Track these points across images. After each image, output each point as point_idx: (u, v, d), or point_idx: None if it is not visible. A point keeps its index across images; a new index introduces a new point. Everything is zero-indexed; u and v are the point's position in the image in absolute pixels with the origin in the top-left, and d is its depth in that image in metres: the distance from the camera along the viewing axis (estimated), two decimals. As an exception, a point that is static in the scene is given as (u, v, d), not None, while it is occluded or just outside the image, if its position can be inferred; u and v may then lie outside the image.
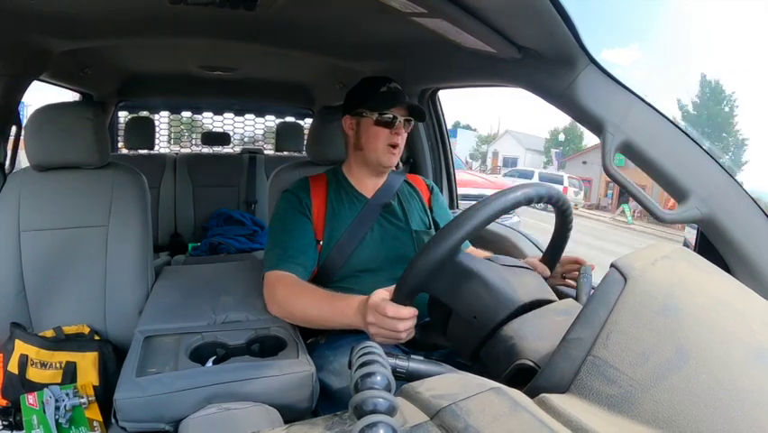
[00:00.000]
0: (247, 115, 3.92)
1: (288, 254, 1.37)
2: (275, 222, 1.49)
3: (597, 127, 1.12)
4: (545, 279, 1.16)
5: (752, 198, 1.08)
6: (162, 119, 3.86)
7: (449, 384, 0.62)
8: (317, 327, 1.30)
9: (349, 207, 1.51)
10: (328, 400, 1.24)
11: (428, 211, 1.64)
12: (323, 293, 1.27)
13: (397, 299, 1.00)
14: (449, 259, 0.94)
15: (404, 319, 1.00)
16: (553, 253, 1.27)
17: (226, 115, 3.91)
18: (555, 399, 0.59)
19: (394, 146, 1.47)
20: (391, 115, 1.45)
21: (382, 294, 1.04)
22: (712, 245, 1.12)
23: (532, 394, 0.61)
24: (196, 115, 3.99)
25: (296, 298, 1.29)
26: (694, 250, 1.17)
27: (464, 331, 0.98)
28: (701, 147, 1.09)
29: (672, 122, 1.10)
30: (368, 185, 1.56)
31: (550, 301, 0.98)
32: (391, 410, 0.53)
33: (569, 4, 0.90)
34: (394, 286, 1.02)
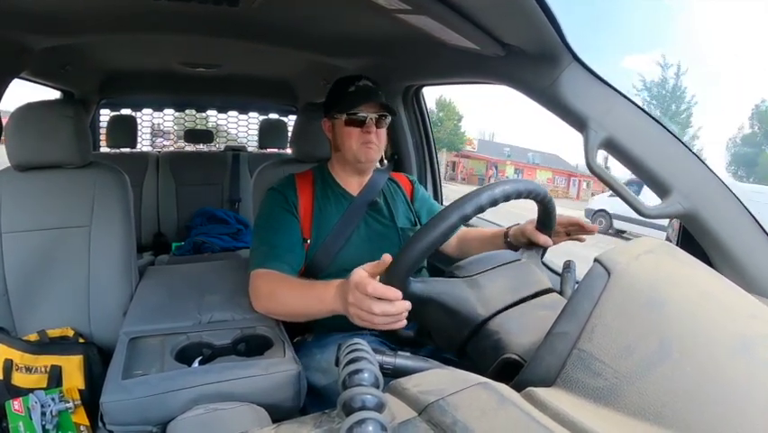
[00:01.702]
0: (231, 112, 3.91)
1: (275, 253, 1.35)
2: (261, 221, 1.47)
3: (579, 124, 1.13)
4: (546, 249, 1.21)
5: (733, 193, 1.10)
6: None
7: (436, 380, 0.63)
8: (302, 318, 1.29)
9: (335, 205, 1.50)
10: (316, 398, 1.24)
11: (411, 206, 1.64)
12: (302, 283, 1.26)
13: (387, 279, 0.97)
14: (406, 288, 0.95)
15: (384, 301, 0.94)
16: (545, 224, 1.23)
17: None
18: (542, 392, 0.59)
19: (369, 142, 1.46)
20: (362, 115, 1.44)
21: (361, 272, 0.99)
22: (694, 240, 1.14)
23: (518, 388, 0.62)
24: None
25: (277, 291, 1.27)
26: (676, 244, 1.19)
27: (445, 340, 1.02)
28: (683, 143, 1.11)
29: (654, 119, 1.11)
30: (353, 183, 1.56)
31: (528, 298, 0.99)
32: (380, 407, 0.53)
33: (554, 1, 0.91)
34: (374, 263, 1.00)
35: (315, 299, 1.16)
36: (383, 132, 1.50)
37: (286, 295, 1.25)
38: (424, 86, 2.27)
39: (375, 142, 1.47)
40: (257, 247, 1.40)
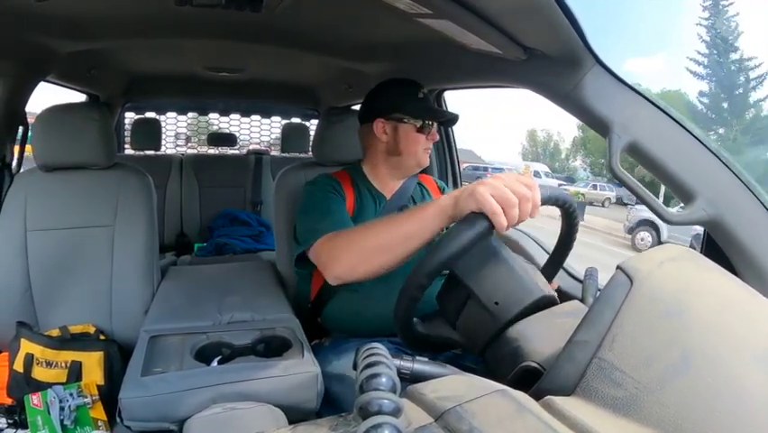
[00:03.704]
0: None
1: (336, 227, 1.26)
2: (308, 205, 1.41)
3: (603, 128, 1.11)
4: None
5: (759, 200, 1.07)
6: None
7: (454, 386, 0.62)
8: (391, 260, 1.10)
9: (370, 206, 1.51)
10: (330, 405, 1.24)
11: None
12: (385, 218, 1.17)
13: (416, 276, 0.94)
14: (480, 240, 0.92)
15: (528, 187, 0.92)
16: (554, 265, 1.20)
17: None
18: (561, 401, 0.58)
19: (429, 150, 1.51)
20: (431, 123, 1.48)
21: None
22: (719, 247, 1.12)
23: (537, 396, 0.61)
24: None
25: (359, 236, 1.16)
26: (700, 252, 1.16)
27: (478, 322, 0.95)
28: (708, 148, 1.08)
29: (679, 123, 1.09)
30: (387, 187, 1.55)
31: (556, 302, 0.98)
32: (396, 412, 0.53)
33: (575, 4, 0.90)
34: None
35: (413, 218, 1.07)
36: None
37: (372, 236, 1.13)
38: (445, 90, 2.26)
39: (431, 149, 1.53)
40: (311, 226, 1.32)
